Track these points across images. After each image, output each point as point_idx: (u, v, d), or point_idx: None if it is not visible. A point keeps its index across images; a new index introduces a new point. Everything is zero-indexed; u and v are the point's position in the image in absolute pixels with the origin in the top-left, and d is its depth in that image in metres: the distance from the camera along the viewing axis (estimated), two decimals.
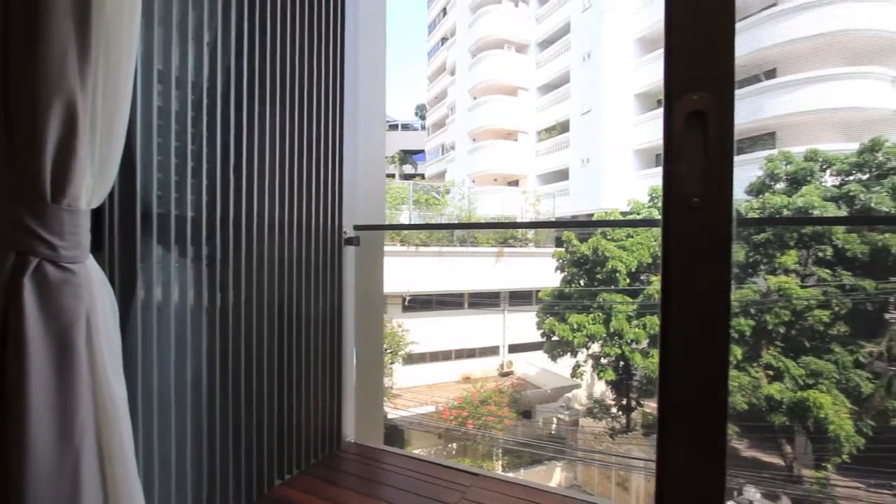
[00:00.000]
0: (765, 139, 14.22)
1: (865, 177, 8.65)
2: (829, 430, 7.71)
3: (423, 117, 37.47)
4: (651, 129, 16.21)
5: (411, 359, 12.97)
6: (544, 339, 11.71)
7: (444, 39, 29.86)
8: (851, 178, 8.83)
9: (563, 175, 20.62)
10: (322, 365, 1.97)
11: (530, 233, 15.14)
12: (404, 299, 13.40)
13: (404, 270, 12.70)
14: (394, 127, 38.37)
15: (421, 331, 12.88)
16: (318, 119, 1.90)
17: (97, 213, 1.07)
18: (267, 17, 1.63)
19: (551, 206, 18.35)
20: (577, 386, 12.62)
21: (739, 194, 10.08)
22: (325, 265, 1.97)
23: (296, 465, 1.83)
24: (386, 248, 13.84)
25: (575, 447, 11.86)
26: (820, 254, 8.53)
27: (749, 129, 14.56)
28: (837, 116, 12.93)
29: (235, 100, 1.53)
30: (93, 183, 0.93)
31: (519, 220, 17.06)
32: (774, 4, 13.89)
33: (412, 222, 14.58)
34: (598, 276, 10.68)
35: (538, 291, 12.55)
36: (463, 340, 14.27)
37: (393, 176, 30.05)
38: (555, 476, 11.56)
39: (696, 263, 0.72)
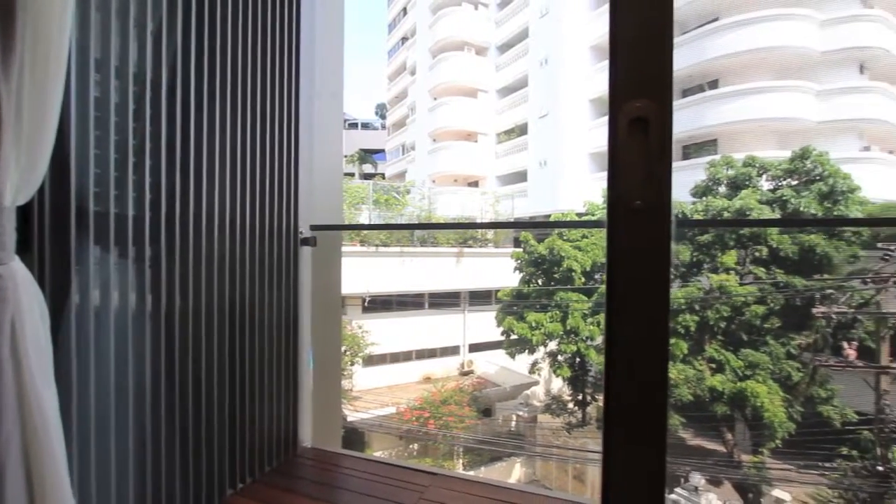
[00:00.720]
0: (708, 145, 15.12)
1: (796, 182, 9.38)
2: (764, 417, 8.28)
3: (383, 116, 37.14)
4: (605, 134, 16.77)
5: (371, 360, 12.82)
6: (504, 338, 11.89)
7: (404, 39, 29.74)
8: (784, 183, 9.54)
9: (521, 177, 21.03)
10: (277, 369, 1.91)
11: (490, 233, 15.36)
12: (364, 300, 13.22)
13: (364, 271, 12.53)
14: (353, 126, 37.80)
15: (381, 332, 12.75)
16: (272, 115, 1.85)
17: (25, 211, 0.99)
18: (217, 7, 1.56)
19: (510, 207, 18.68)
20: (536, 383, 12.91)
21: (686, 197, 10.66)
22: (280, 266, 1.91)
23: (249, 474, 1.77)
24: (345, 249, 13.61)
25: (534, 443, 12.13)
26: (756, 253, 9.17)
27: (695, 136, 15.44)
28: (772, 126, 13.95)
29: (182, 93, 1.46)
30: (18, 178, 0.86)
31: (479, 220, 17.24)
32: (716, 19, 14.78)
33: (372, 222, 14.42)
34: (555, 275, 10.98)
35: (497, 291, 12.74)
36: (423, 341, 14.26)
37: (352, 175, 29.59)
38: (514, 472, 11.77)
39: (639, 263, 0.75)
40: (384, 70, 33.51)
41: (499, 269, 13.53)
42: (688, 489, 8.62)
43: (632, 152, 0.75)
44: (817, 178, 9.05)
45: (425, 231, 15.02)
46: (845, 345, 8.10)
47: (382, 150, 33.79)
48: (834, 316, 8.01)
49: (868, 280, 7.61)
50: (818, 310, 7.99)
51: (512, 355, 11.75)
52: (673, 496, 8.64)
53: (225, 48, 1.60)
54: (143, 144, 1.34)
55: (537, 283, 11.54)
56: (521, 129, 21.38)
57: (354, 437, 11.51)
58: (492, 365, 14.16)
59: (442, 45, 23.47)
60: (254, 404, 1.78)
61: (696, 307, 9.05)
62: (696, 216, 9.63)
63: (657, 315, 0.75)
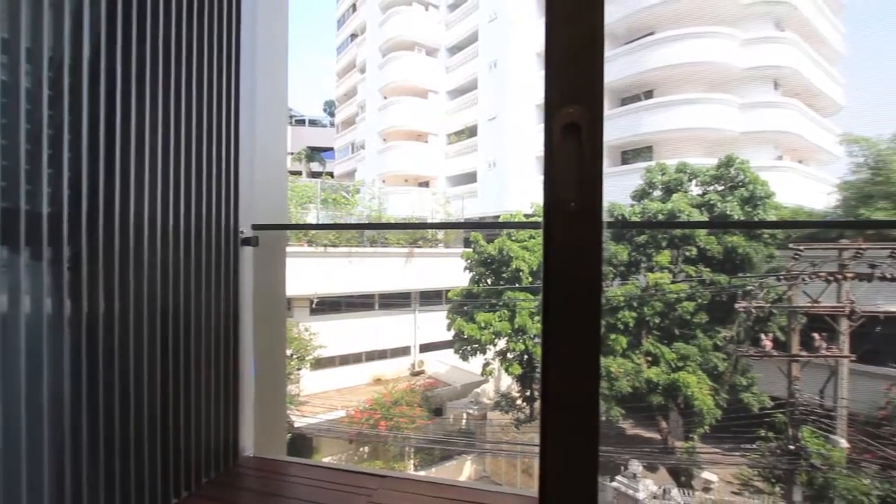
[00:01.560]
0: (645, 152, 16.08)
1: (721, 188, 10.18)
2: (694, 405, 8.92)
3: (332, 114, 36.31)
4: None
5: (320, 363, 12.50)
6: (454, 338, 12.00)
7: (353, 36, 29.24)
8: (711, 188, 10.33)
9: (471, 178, 21.32)
10: (215, 375, 1.81)
11: (440, 233, 15.44)
12: (312, 302, 12.86)
13: (312, 272, 12.21)
14: (300, 122, 36.66)
15: (330, 334, 12.47)
16: (209, 107, 1.75)
17: None
18: None
19: (460, 207, 18.88)
20: (486, 381, 13.13)
21: (626, 200, 11.27)
22: (219, 267, 1.82)
23: (185, 487, 1.67)
24: (291, 249, 13.21)
25: (484, 440, 12.32)
26: (687, 253, 9.86)
27: (632, 142, 16.37)
28: (701, 135, 15.08)
29: (107, 80, 1.35)
30: None
31: (429, 220, 17.29)
32: (652, 33, 15.74)
33: (320, 222, 14.07)
34: (504, 275, 11.22)
35: (448, 291, 12.83)
36: (374, 342, 14.09)
37: (299, 173, 28.71)
38: (465, 470, 11.90)
39: (573, 262, 0.79)
40: (333, 66, 32.77)
41: (449, 269, 13.65)
42: (627, 476, 9.08)
43: (565, 157, 0.79)
44: (740, 184, 9.88)
45: (375, 231, 14.86)
46: (763, 336, 8.90)
47: (331, 149, 33.03)
48: (753, 310, 8.78)
49: (781, 277, 8.40)
50: (740, 305, 8.71)
51: (463, 356, 11.88)
52: (614, 484, 9.08)
53: (156, 32, 1.50)
54: (61, 135, 1.23)
55: (486, 283, 11.74)
56: (471, 131, 21.68)
57: (302, 443, 11.17)
58: (443, 364, 14.23)
59: (392, 44, 23.33)
60: (189, 413, 1.68)
61: (634, 304, 9.58)
62: (634, 218, 10.19)
63: (590, 311, 0.78)
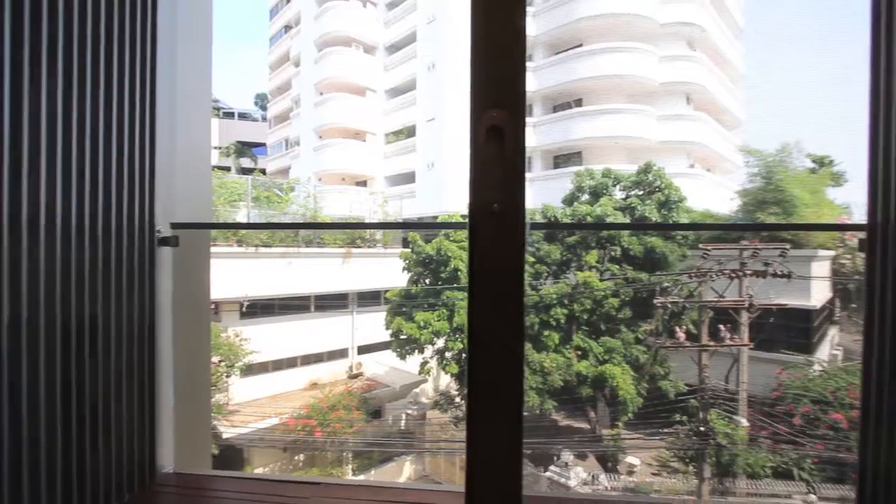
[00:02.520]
0: (575, 157, 16.97)
1: (641, 193, 10.99)
2: (619, 395, 9.54)
3: (264, 108, 34.64)
4: None
5: (252, 369, 11.89)
6: (393, 338, 11.92)
7: (287, 27, 28.09)
8: (633, 193, 11.12)
9: (410, 178, 21.29)
10: (128, 387, 1.67)
11: (378, 233, 15.27)
12: (242, 305, 12.19)
13: (242, 273, 11.58)
14: (229, 115, 34.61)
15: (262, 338, 11.90)
16: (119, 94, 1.61)
17: None
18: None
19: (398, 207, 18.78)
20: (425, 381, 13.17)
21: (558, 202, 11.82)
22: (131, 270, 1.67)
23: None
24: (219, 250, 12.46)
25: (423, 439, 12.34)
26: (612, 253, 10.54)
27: (563, 148, 17.22)
28: (624, 143, 16.19)
29: None
30: None
31: (367, 220, 17.04)
32: (581, 45, 16.65)
33: (251, 221, 13.38)
34: (442, 275, 11.33)
35: (386, 292, 12.72)
36: (309, 345, 13.64)
37: (228, 169, 27.11)
38: (405, 471, 11.86)
39: (497, 261, 0.83)
40: (265, 58, 31.25)
41: (387, 270, 13.53)
42: (559, 466, 9.53)
43: (489, 159, 0.82)
44: (657, 189, 10.72)
45: (311, 231, 14.40)
46: (677, 329, 9.74)
47: (263, 144, 31.49)
48: (669, 305, 9.57)
49: (692, 275, 9.24)
50: (658, 300, 9.46)
51: (402, 356, 11.83)
52: (547, 473, 9.49)
53: (55, 12, 1.36)
54: None
55: (425, 283, 11.79)
56: (410, 131, 21.64)
57: (231, 455, 10.57)
58: (381, 366, 14.09)
59: (328, 38, 22.70)
60: (97, 431, 1.53)
61: (566, 301, 10.08)
62: (565, 219, 10.71)
63: (513, 308, 0.82)
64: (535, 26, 17.58)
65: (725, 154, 18.43)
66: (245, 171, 26.21)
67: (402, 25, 22.14)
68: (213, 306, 11.78)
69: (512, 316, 0.82)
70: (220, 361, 10.40)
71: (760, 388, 9.85)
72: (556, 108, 17.66)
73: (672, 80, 16.36)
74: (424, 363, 11.67)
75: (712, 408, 8.87)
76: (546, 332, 10.03)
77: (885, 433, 1.40)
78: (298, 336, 13.35)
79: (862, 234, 1.55)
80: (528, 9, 17.60)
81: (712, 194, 15.47)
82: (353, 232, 14.53)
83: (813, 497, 8.16)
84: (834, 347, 12.89)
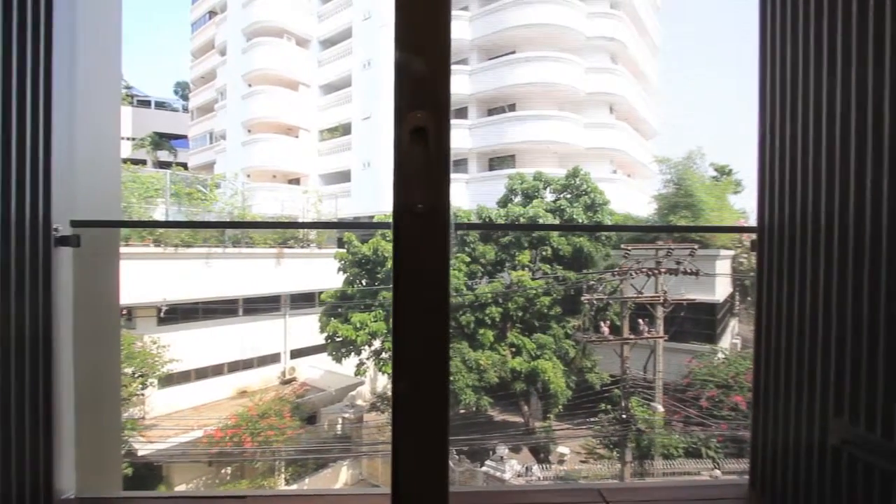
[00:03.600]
0: (508, 160, 17.53)
1: (569, 195, 11.58)
2: (551, 388, 9.99)
3: (185, 97, 32.21)
4: None
5: (171, 379, 11.05)
6: (328, 341, 11.62)
7: (211, 13, 26.34)
8: (562, 195, 11.69)
9: (345, 177, 20.83)
10: (18, 404, 1.50)
11: (312, 233, 14.79)
12: (160, 310, 11.27)
13: (160, 276, 10.73)
14: (145, 104, 31.81)
15: (184, 345, 11.10)
16: (4, 74, 1.43)
17: None
18: None
19: (334, 206, 18.31)
20: (362, 383, 12.95)
21: (491, 204, 12.14)
22: (23, 272, 1.50)
23: None
24: (134, 250, 11.45)
25: (360, 443, 12.13)
26: (544, 253, 11.01)
27: (497, 151, 17.73)
28: (554, 148, 16.98)
29: None
30: None
31: (301, 220, 16.44)
32: (514, 52, 17.23)
33: (170, 219, 12.42)
34: (379, 275, 11.22)
35: (321, 293, 12.36)
36: (238, 351, 12.90)
37: (143, 162, 24.90)
38: (341, 476, 11.58)
39: (421, 261, 0.84)
40: (187, 44, 29.06)
41: (322, 271, 13.16)
42: (495, 460, 9.80)
43: (413, 160, 0.84)
44: (584, 192, 11.36)
45: (239, 230, 13.63)
46: (602, 324, 10.39)
47: (185, 137, 29.29)
48: (595, 302, 10.19)
49: (615, 273, 9.90)
50: (585, 297, 10.04)
51: (337, 358, 11.55)
52: (484, 468, 9.71)
53: None
54: None
55: (361, 284, 11.60)
56: (345, 129, 21.17)
57: (148, 473, 9.75)
58: (316, 370, 13.66)
59: (258, 28, 21.59)
60: None
61: (500, 300, 10.38)
62: (500, 220, 11.02)
63: (438, 308, 0.84)
64: (470, 31, 17.93)
65: (643, 161, 19.96)
66: (163, 165, 24.21)
67: (337, 20, 21.60)
68: (124, 312, 10.78)
69: (438, 315, 0.84)
70: (133, 373, 9.55)
71: (674, 375, 10.79)
72: (490, 112, 18.12)
73: (597, 91, 17.44)
74: (361, 365, 11.48)
75: (633, 396, 9.56)
76: (482, 331, 10.27)
77: (773, 411, 1.60)
78: (225, 342, 12.60)
79: (754, 236, 1.77)
80: (464, 13, 18.00)
81: (632, 198, 16.68)
82: (285, 231, 13.95)
83: (718, 472, 9.07)
84: (734, 337, 14.41)
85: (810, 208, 1.46)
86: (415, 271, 0.84)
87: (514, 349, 10.44)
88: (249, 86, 21.89)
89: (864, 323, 1.26)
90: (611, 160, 18.15)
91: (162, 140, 28.43)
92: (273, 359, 13.88)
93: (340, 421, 12.67)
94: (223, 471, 10.80)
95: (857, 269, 1.29)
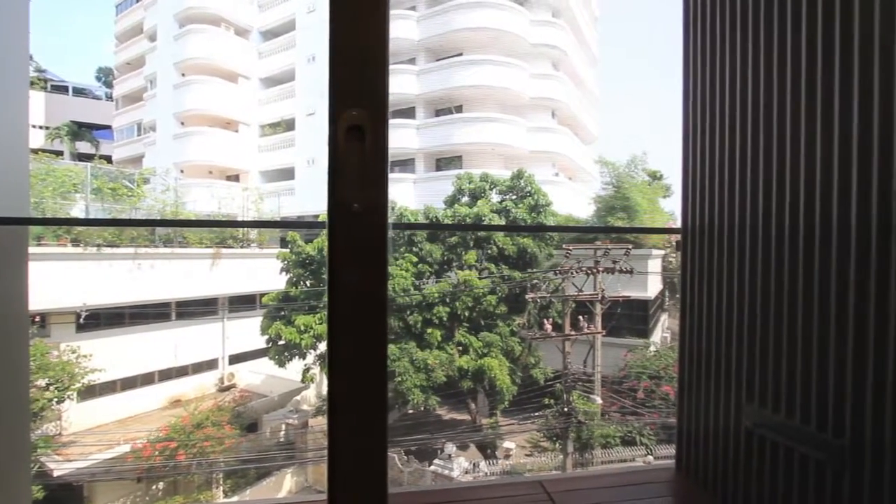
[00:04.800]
0: (455, 160, 17.71)
1: (514, 196, 11.89)
2: (497, 385, 10.19)
3: (108, 84, 29.65)
4: None
5: (94, 391, 10.18)
6: (270, 345, 11.17)
7: None
8: (507, 196, 11.98)
9: (288, 174, 20.10)
10: None
11: (253, 233, 14.15)
12: (79, 316, 10.33)
13: (79, 278, 9.85)
14: (61, 90, 28.96)
15: (109, 354, 10.26)
16: None
17: None
18: None
19: (276, 205, 17.61)
20: (306, 387, 12.56)
21: (438, 204, 12.21)
22: None
23: None
24: (48, 251, 10.45)
25: (305, 449, 11.77)
26: (489, 252, 11.23)
27: (445, 151, 17.85)
28: (500, 150, 17.35)
29: None
30: None
31: (240, 218, 15.68)
32: (461, 54, 17.43)
33: (90, 216, 11.41)
34: (324, 276, 10.94)
35: (262, 295, 11.85)
36: (170, 358, 12.09)
37: (59, 154, 22.67)
38: (285, 484, 11.17)
39: (358, 261, 0.83)
40: (111, 27, 26.75)
41: (263, 272, 12.62)
42: (443, 458, 9.86)
43: (349, 158, 0.82)
44: (528, 194, 11.70)
45: (171, 229, 12.78)
46: (545, 321, 10.76)
47: (108, 127, 26.95)
48: (539, 300, 10.53)
49: (557, 272, 10.29)
50: (529, 296, 10.35)
51: (280, 363, 11.14)
52: (432, 468, 9.75)
53: None
54: None
55: (306, 285, 11.26)
56: (289, 124, 20.44)
57: (66, 495, 8.91)
58: (257, 375, 13.09)
59: (192, 14, 20.31)
60: None
61: (447, 300, 10.46)
62: (447, 220, 11.10)
63: (376, 309, 0.83)
64: (418, 31, 17.92)
65: (583, 165, 20.89)
66: (83, 158, 22.15)
67: (280, 10, 20.78)
68: (36, 319, 9.78)
69: (374, 320, 0.83)
70: (47, 385, 8.69)
71: (611, 369, 11.38)
72: (438, 113, 18.21)
73: (540, 96, 18.04)
74: (307, 369, 11.14)
75: (574, 390, 9.98)
76: (429, 330, 10.30)
77: (695, 399, 1.74)
78: (156, 348, 11.77)
79: (678, 237, 1.92)
80: (412, 13, 17.95)
81: (573, 200, 17.40)
82: (223, 230, 13.24)
83: (650, 458, 9.68)
84: (664, 331, 15.43)
85: (727, 212, 1.60)
86: (351, 272, 0.83)
87: (461, 348, 10.56)
88: (183, 75, 20.55)
89: (770, 317, 1.40)
90: (553, 163, 18.84)
91: (82, 130, 26.03)
92: (210, 365, 13.14)
93: (284, 427, 12.22)
94: (154, 487, 10.08)
95: (765, 268, 1.43)
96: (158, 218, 12.75)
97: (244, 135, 21.28)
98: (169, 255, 12.00)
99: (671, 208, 18.18)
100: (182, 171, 19.85)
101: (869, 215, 1.13)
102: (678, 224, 1.94)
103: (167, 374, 12.19)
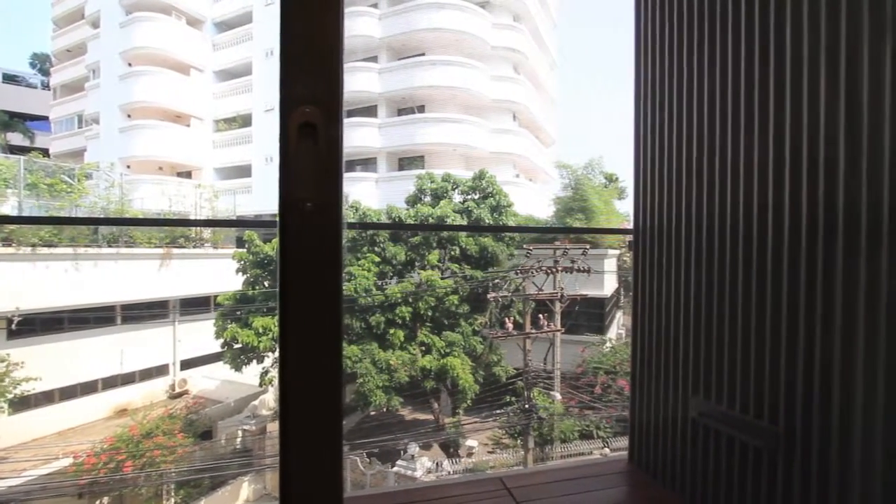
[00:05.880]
0: (418, 160, 17.68)
1: (477, 197, 12.01)
2: (460, 384, 10.26)
3: (44, 72, 27.59)
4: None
5: (28, 402, 9.48)
6: (225, 349, 10.75)
7: None
8: (469, 197, 12.08)
9: (245, 171, 19.41)
10: None
11: (207, 232, 13.57)
12: (11, 321, 9.57)
13: (11, 281, 9.15)
14: None
15: (45, 362, 9.57)
16: None
17: None
18: None
19: (232, 203, 16.96)
20: (265, 391, 12.17)
21: (400, 203, 12.15)
22: None
23: None
24: None
25: (264, 455, 11.41)
26: (452, 252, 11.29)
27: (407, 151, 17.78)
28: (462, 150, 17.47)
29: None
30: None
31: (193, 217, 14.99)
32: (423, 54, 17.41)
33: (23, 214, 10.59)
34: None
35: (217, 296, 11.39)
36: (115, 365, 11.41)
37: None
38: (242, 492, 10.79)
39: (311, 262, 0.82)
40: (48, 10, 24.86)
41: (218, 272, 12.13)
42: (406, 459, 9.82)
43: (301, 156, 0.80)
44: (490, 195, 11.85)
45: (117, 228, 12.06)
46: (507, 320, 10.94)
47: (45, 118, 25.07)
48: (500, 299, 10.69)
49: (518, 271, 10.49)
50: (491, 295, 10.48)
51: (237, 367, 10.74)
52: (395, 469, 9.69)
53: None
54: None
55: (264, 286, 10.92)
56: (245, 120, 19.72)
57: None
58: (211, 380, 12.56)
59: (139, 1, 19.22)
60: None
61: (410, 300, 10.43)
62: (409, 220, 11.07)
63: (330, 309, 0.82)
64: (380, 29, 17.74)
65: (543, 167, 21.37)
66: (16, 151, 20.48)
67: (235, 2, 20.02)
68: None
69: (329, 318, 0.82)
70: None
71: (569, 365, 11.71)
72: (400, 112, 18.11)
73: (501, 98, 18.30)
74: (265, 372, 10.80)
75: (534, 386, 10.20)
76: (392, 331, 10.23)
77: (646, 392, 1.83)
78: (99, 355, 11.08)
79: (631, 237, 2.01)
80: (374, 11, 17.76)
81: (534, 201, 17.77)
82: (174, 229, 12.63)
83: (607, 450, 10.03)
84: (620, 327, 16.03)
85: (675, 213, 1.69)
86: (304, 273, 0.81)
87: (423, 348, 10.56)
88: (130, 65, 19.40)
89: (714, 314, 1.50)
90: (514, 165, 19.17)
91: (13, 120, 24.09)
92: (160, 371, 12.51)
93: (241, 434, 11.80)
94: (98, 502, 9.49)
95: (709, 267, 1.53)
96: (102, 216, 11.99)
97: (197, 129, 20.35)
98: (114, 255, 11.32)
99: (626, 210, 18.94)
100: (128, 167, 18.76)
101: (799, 217, 1.23)
102: (632, 225, 2.03)
103: (112, 382, 11.51)
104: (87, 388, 11.04)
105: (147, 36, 18.99)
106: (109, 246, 11.38)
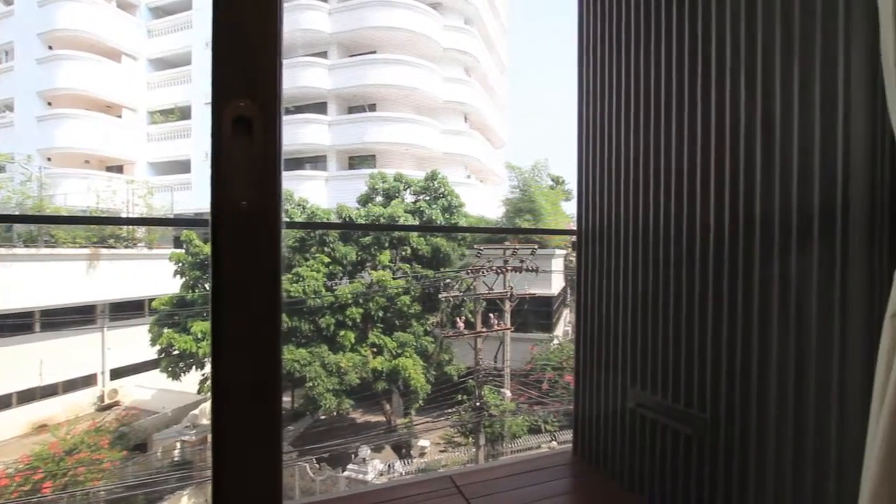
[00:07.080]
0: (369, 159, 17.45)
1: (428, 197, 12.03)
2: (412, 385, 10.23)
3: None
4: (288, 132, 16.78)
5: None
6: (161, 356, 10.09)
7: None
8: (421, 197, 12.08)
9: (184, 166, 18.32)
10: None
11: (140, 231, 12.68)
12: None
13: None
14: None
15: None
16: None
17: None
18: None
19: (169, 200, 15.94)
20: (205, 400, 11.53)
21: (352, 203, 11.94)
22: None
23: None
24: None
25: (205, 467, 10.81)
26: (403, 252, 11.24)
27: (358, 150, 17.51)
28: (413, 150, 17.44)
29: None
30: None
31: (124, 214, 13.95)
32: (375, 52, 17.21)
33: None
34: None
35: (152, 300, 10.67)
36: (33, 377, 10.42)
37: None
38: None
39: (247, 263, 0.78)
40: None
41: (153, 274, 11.37)
42: (357, 462, 9.67)
43: (236, 152, 0.76)
44: (441, 195, 11.92)
45: (35, 226, 11.01)
46: (458, 319, 11.05)
47: None
48: (451, 299, 10.78)
49: (469, 271, 10.62)
50: (443, 295, 10.55)
51: (174, 374, 10.12)
52: (346, 473, 9.51)
53: None
54: None
55: (204, 288, 10.36)
56: (184, 112, 18.61)
57: None
58: (145, 390, 11.75)
59: None
60: None
61: (361, 301, 10.28)
62: (360, 220, 10.90)
63: (267, 313, 0.78)
64: (330, 25, 17.34)
65: (493, 168, 21.77)
66: None
67: None
68: None
69: (266, 322, 0.79)
70: None
71: (519, 363, 12.01)
72: (351, 110, 17.80)
73: (453, 100, 18.45)
74: (205, 380, 10.24)
75: (486, 384, 10.37)
76: (342, 332, 10.04)
77: (589, 385, 1.92)
78: (14, 366, 10.06)
79: (574, 238, 2.09)
80: (323, 5, 17.32)
81: (484, 202, 18.06)
82: (102, 229, 11.70)
83: (554, 443, 10.38)
84: (566, 325, 16.64)
85: (614, 214, 1.78)
86: (239, 276, 0.77)
87: (375, 349, 10.44)
88: (50, 48, 17.71)
89: (649, 311, 1.60)
90: (465, 165, 19.38)
91: None
92: (86, 382, 11.55)
93: (179, 445, 11.11)
94: None
95: (644, 266, 1.62)
96: (17, 213, 10.90)
97: (129, 121, 18.93)
98: (32, 256, 10.32)
99: (572, 211, 19.67)
100: (49, 160, 17.13)
101: (723, 219, 1.34)
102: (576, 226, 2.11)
103: (29, 396, 10.51)
104: (1, 403, 10.01)
105: (71, 17, 17.40)
106: (26, 246, 10.37)
